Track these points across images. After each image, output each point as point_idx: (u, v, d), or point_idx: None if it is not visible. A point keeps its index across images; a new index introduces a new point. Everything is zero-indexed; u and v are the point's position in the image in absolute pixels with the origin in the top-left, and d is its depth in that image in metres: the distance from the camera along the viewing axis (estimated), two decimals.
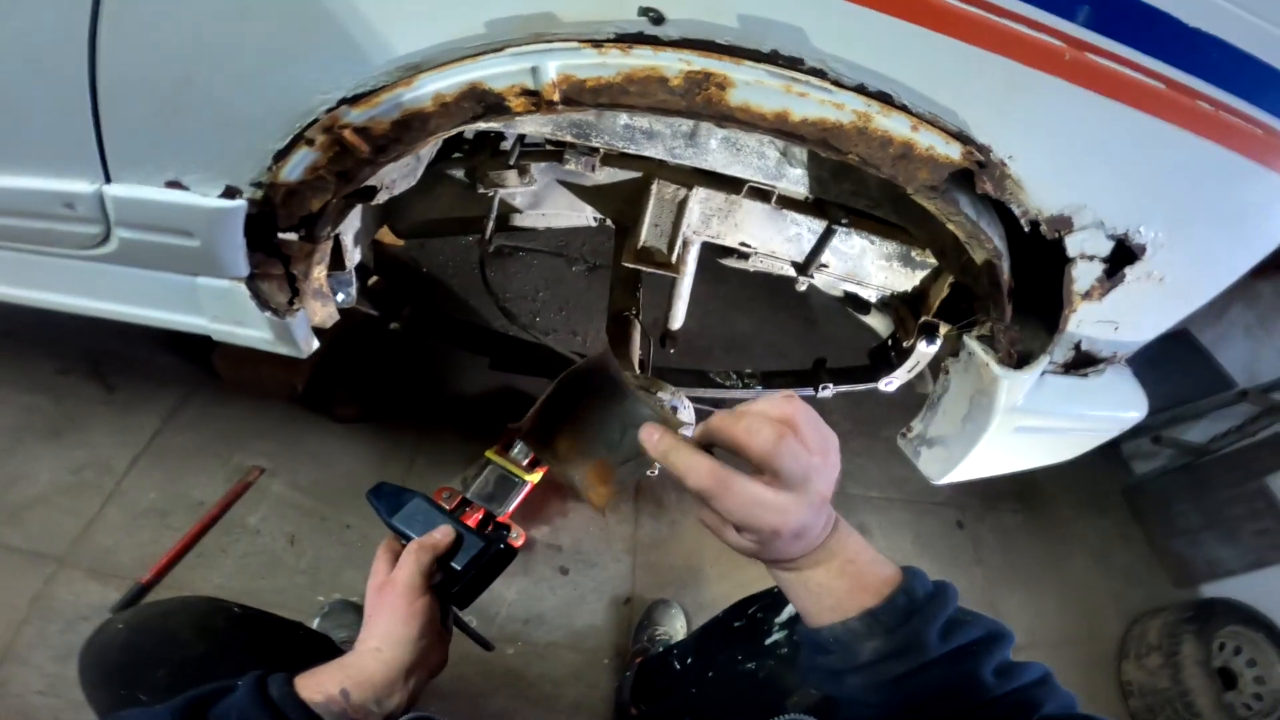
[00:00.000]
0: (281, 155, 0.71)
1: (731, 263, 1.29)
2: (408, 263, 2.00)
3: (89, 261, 0.89)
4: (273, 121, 0.70)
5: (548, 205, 1.19)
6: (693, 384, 1.45)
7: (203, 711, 0.53)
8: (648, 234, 1.12)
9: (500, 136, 1.12)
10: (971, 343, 1.05)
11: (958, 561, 2.16)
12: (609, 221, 1.28)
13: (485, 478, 1.46)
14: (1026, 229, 0.82)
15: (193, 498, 1.46)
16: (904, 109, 0.67)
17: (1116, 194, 0.78)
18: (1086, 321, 0.94)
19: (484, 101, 0.65)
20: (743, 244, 1.20)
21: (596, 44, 0.61)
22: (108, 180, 0.78)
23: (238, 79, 0.69)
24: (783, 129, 0.68)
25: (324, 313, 0.99)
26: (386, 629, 0.63)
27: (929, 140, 0.69)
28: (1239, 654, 2.22)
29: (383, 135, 0.71)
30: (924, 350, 1.31)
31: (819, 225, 1.16)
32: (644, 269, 1.15)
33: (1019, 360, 0.98)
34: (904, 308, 1.33)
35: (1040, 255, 0.87)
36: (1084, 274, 0.86)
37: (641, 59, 0.61)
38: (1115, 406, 1.17)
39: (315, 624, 1.35)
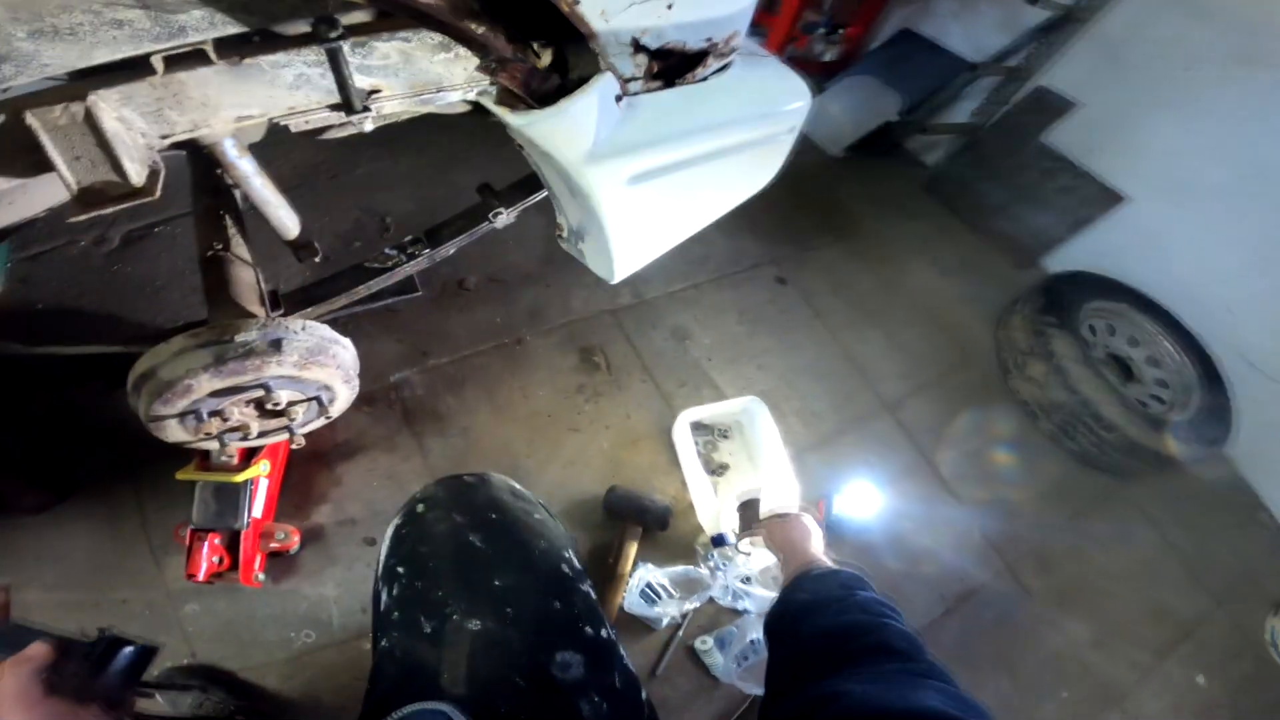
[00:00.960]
0: None
1: (297, 127, 1.00)
2: (16, 306, 1.60)
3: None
4: None
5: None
6: (349, 285, 1.23)
7: None
8: (74, 171, 0.83)
9: None
10: (484, 100, 0.85)
11: (795, 321, 2.08)
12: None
13: (201, 499, 1.29)
14: None
15: None
16: None
17: None
18: (612, 11, 0.72)
19: None
20: (241, 118, 0.91)
21: None
22: None
23: None
24: None
25: None
26: None
27: None
28: (1114, 334, 2.13)
29: None
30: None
31: (315, 54, 0.87)
32: (108, 209, 0.86)
33: (547, 96, 0.76)
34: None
35: None
36: None
37: None
38: (758, 101, 0.99)
39: (159, 699, 1.21)
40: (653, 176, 0.88)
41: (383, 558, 0.80)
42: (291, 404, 1.06)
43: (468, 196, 1.31)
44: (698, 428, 1.73)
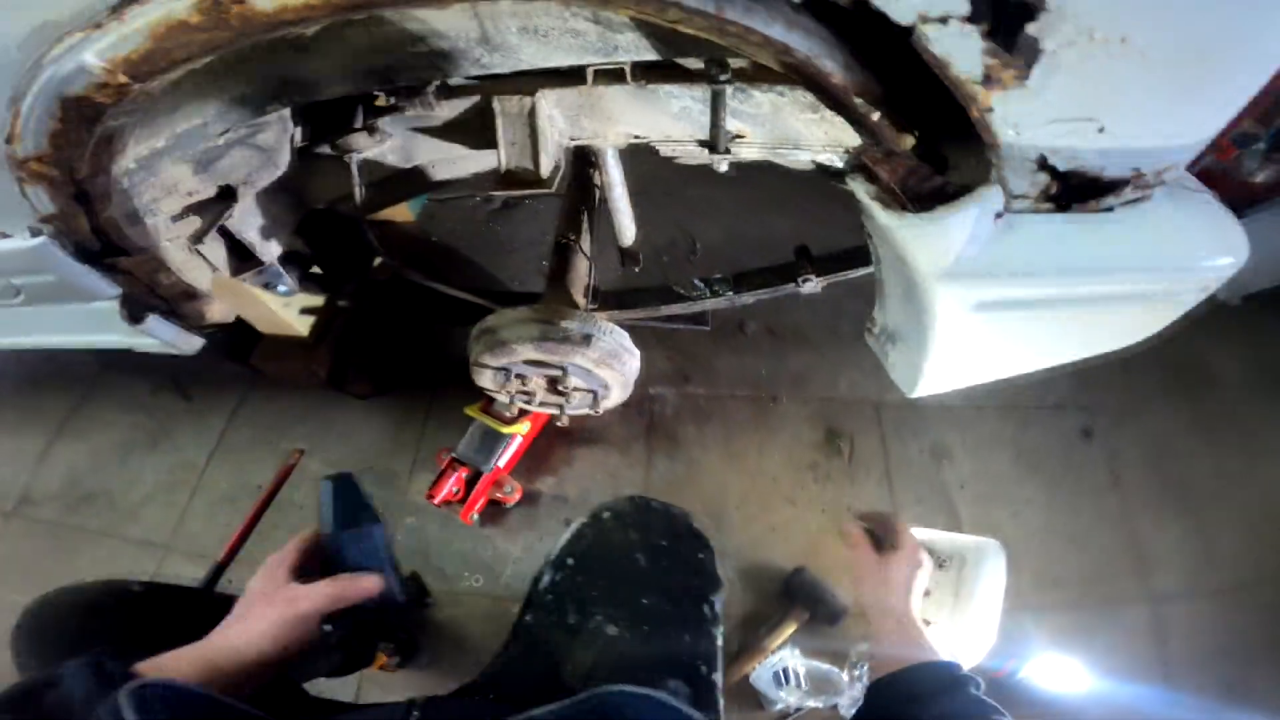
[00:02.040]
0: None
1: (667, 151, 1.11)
2: (418, 235, 2.05)
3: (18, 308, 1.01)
4: None
5: (419, 155, 1.11)
6: (654, 302, 1.31)
7: (37, 698, 0.53)
8: (507, 154, 1.01)
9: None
10: (855, 184, 0.74)
11: (1083, 484, 1.70)
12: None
13: (471, 435, 1.48)
14: None
15: (253, 483, 1.66)
16: None
17: None
18: (1029, 124, 0.62)
19: (79, 108, 0.62)
20: (630, 135, 1.03)
21: (97, 25, 0.56)
22: None
23: None
24: None
25: (213, 310, 1.03)
26: (256, 630, 0.63)
27: None
28: None
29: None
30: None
31: (702, 91, 0.95)
32: (513, 193, 1.03)
33: (923, 198, 0.69)
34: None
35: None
36: (956, 48, 0.55)
37: (145, 14, 0.54)
38: (1172, 249, 0.78)
39: None
40: (1005, 308, 0.75)
41: (559, 546, 0.87)
42: (575, 389, 1.18)
43: (777, 240, 1.31)
44: None
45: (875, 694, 0.79)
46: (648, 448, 1.65)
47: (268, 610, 0.64)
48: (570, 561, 0.84)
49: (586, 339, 1.08)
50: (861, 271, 1.24)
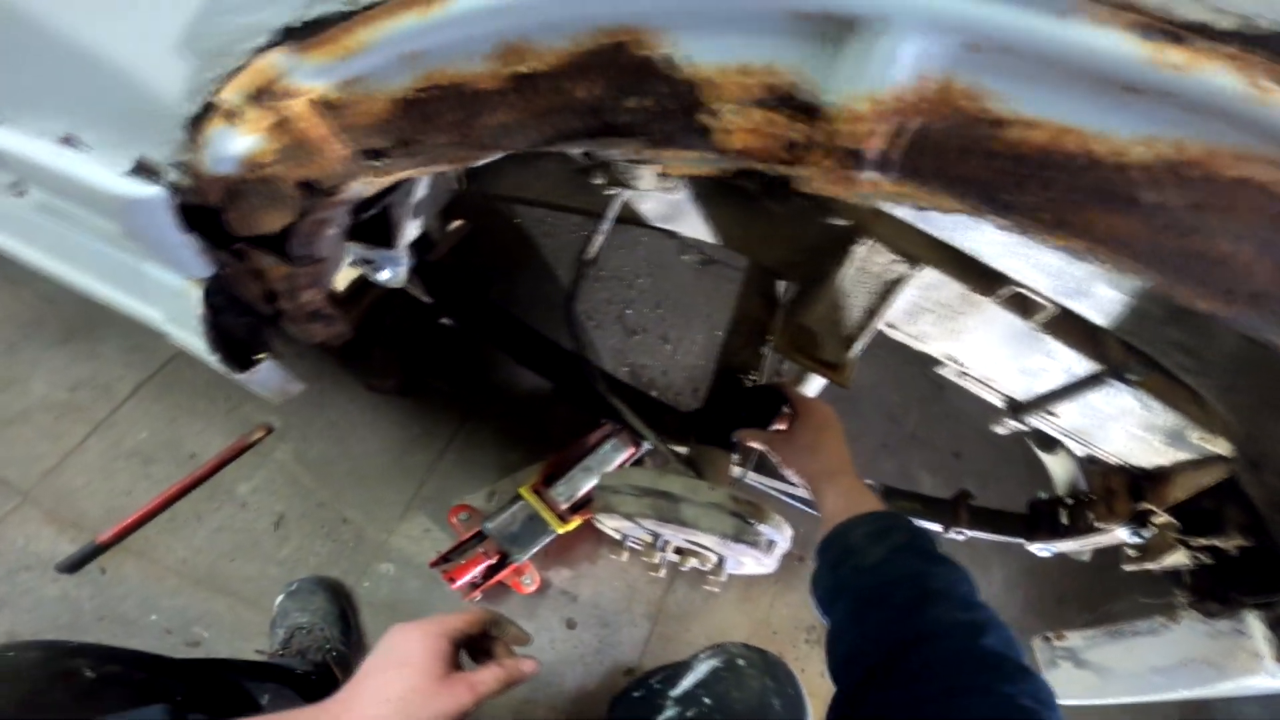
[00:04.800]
0: (197, 124, 0.44)
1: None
2: (502, 212, 1.67)
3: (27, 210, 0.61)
4: (169, 63, 0.43)
5: (686, 222, 0.83)
6: None
7: None
8: (823, 313, 0.76)
9: None
10: (1254, 621, 0.75)
11: None
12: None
13: (513, 515, 1.23)
14: None
15: (185, 447, 1.25)
16: None
17: None
18: None
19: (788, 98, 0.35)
20: (950, 358, 0.82)
21: None
22: None
23: None
24: None
25: (328, 332, 0.69)
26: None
27: None
28: None
29: (379, 124, 0.43)
30: (1119, 536, 0.96)
31: (1088, 366, 0.77)
32: (799, 361, 0.79)
33: None
34: (1118, 477, 0.94)
35: None
36: None
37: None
38: None
39: (277, 601, 1.17)
40: None
41: (688, 684, 0.89)
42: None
43: (854, 390, 1.16)
44: None
45: (818, 553, 0.76)
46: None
47: (445, 696, 0.55)
48: (708, 701, 0.86)
49: (770, 546, 0.87)
50: (1009, 540, 1.15)
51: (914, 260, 0.70)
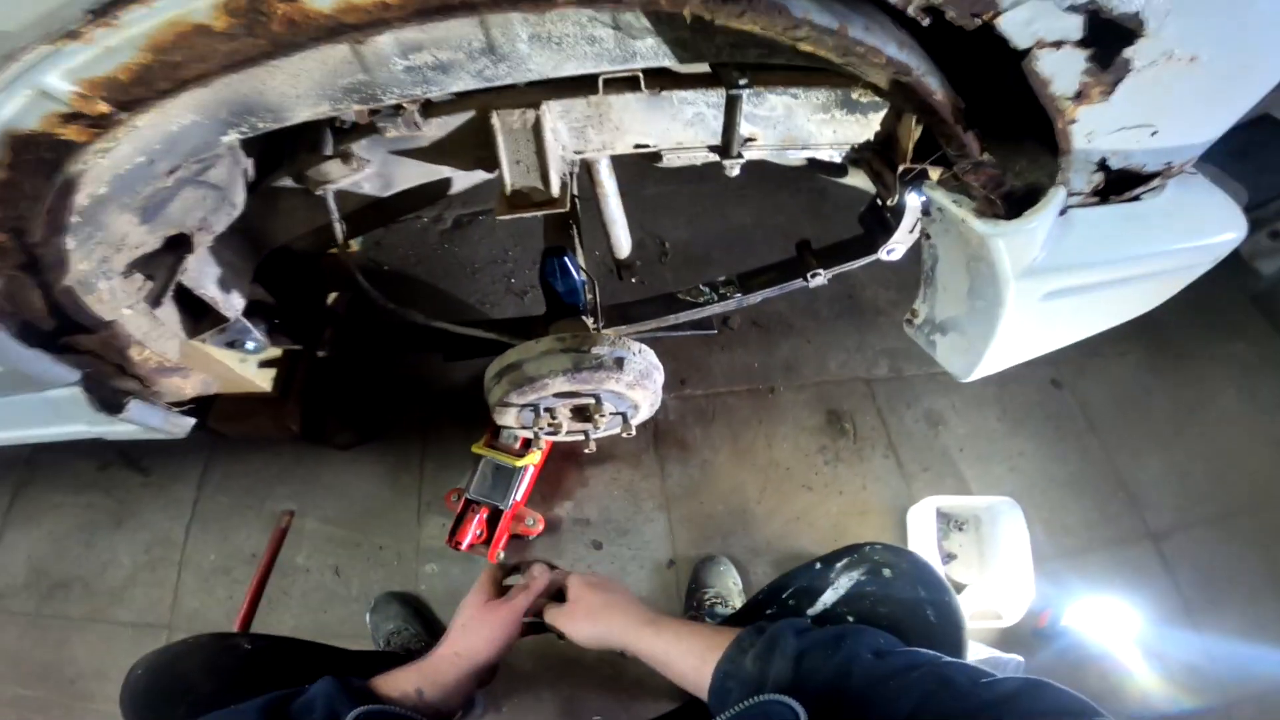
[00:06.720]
0: None
1: (669, 161, 1.07)
2: (368, 265, 1.91)
3: None
4: None
5: (401, 180, 1.02)
6: (662, 312, 1.27)
7: (284, 709, 0.65)
8: (512, 174, 0.93)
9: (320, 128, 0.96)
10: (936, 194, 0.80)
11: (1063, 432, 1.79)
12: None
13: (481, 473, 1.42)
14: (923, 20, 0.55)
15: (245, 551, 1.54)
16: None
17: None
18: (1100, 132, 0.68)
19: (37, 149, 0.50)
20: (638, 145, 0.97)
21: (73, 35, 0.43)
22: None
23: None
24: None
25: (192, 383, 0.92)
26: (475, 643, 0.79)
27: None
28: None
29: None
30: (916, 204, 1.06)
31: (717, 96, 0.91)
32: (524, 214, 0.96)
33: (1014, 204, 0.73)
34: (877, 159, 1.05)
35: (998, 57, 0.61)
36: (1059, 69, 0.61)
37: (149, 17, 0.43)
38: (1192, 230, 0.86)
39: (367, 620, 1.42)
40: (1063, 295, 0.80)
41: (829, 600, 0.79)
42: (609, 414, 1.13)
43: (741, 231, 1.28)
44: (936, 515, 1.59)
45: (716, 703, 0.70)
46: (658, 457, 1.61)
47: (493, 621, 0.81)
48: (851, 618, 0.76)
49: (619, 363, 1.03)
50: (864, 261, 1.25)
51: (532, 104, 0.87)
